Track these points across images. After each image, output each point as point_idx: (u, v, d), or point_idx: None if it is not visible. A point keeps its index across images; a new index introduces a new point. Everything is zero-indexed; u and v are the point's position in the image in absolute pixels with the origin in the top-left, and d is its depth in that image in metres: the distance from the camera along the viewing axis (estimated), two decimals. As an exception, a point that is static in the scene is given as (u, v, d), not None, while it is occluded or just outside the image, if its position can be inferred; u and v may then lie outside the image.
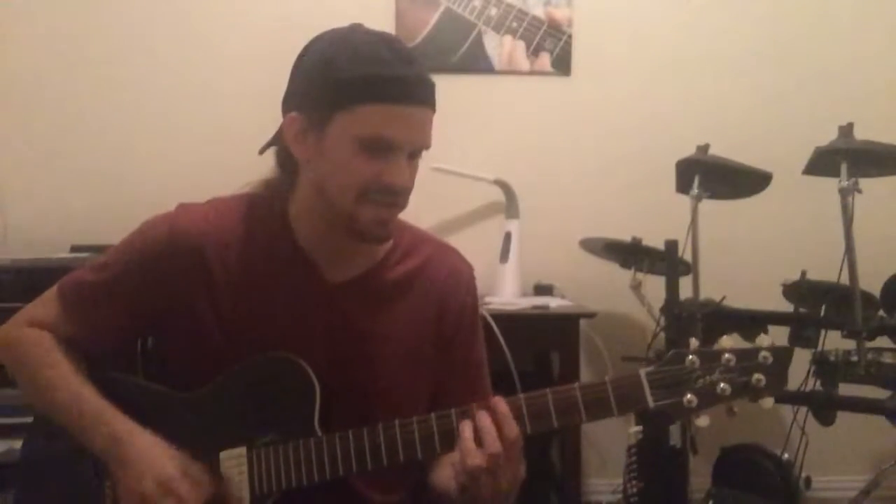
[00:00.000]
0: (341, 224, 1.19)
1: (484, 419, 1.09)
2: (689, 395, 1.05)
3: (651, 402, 1.07)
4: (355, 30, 1.18)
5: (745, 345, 1.08)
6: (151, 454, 1.15)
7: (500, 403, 1.10)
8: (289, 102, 1.20)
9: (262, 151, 1.27)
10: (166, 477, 1.12)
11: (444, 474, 1.23)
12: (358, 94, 1.12)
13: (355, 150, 1.14)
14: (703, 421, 1.06)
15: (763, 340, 1.07)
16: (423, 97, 1.16)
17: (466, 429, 1.09)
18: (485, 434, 1.07)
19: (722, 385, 1.05)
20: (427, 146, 1.19)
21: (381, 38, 1.17)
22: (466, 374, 1.33)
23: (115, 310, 1.25)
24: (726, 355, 1.06)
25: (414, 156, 1.18)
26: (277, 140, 1.25)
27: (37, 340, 1.25)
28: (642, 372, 1.07)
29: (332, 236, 1.23)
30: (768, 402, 1.05)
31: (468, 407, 1.11)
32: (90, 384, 1.22)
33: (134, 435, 1.17)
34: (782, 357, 1.06)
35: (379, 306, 1.27)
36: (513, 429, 1.08)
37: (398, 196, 1.18)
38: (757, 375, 1.05)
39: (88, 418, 1.18)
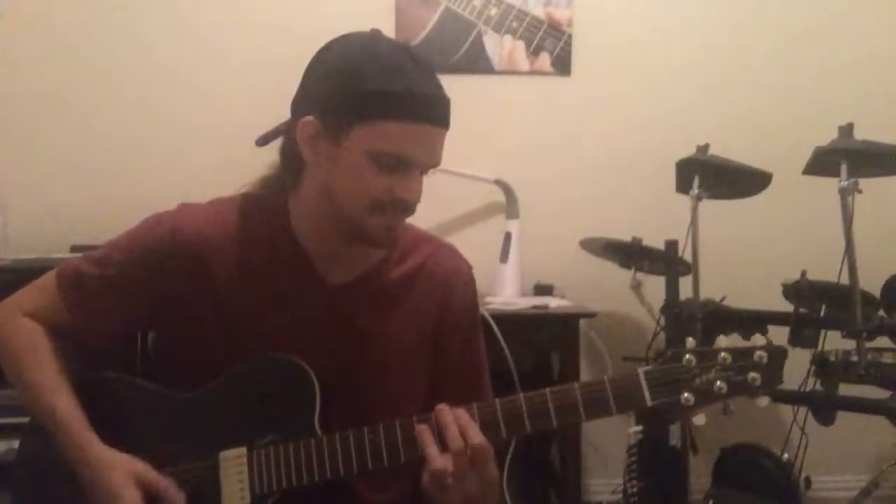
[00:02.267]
0: (348, 229, 1.19)
1: (445, 417, 1.09)
2: (686, 394, 1.06)
3: (649, 401, 1.07)
4: (378, 38, 1.17)
5: (743, 344, 1.08)
6: (110, 483, 1.13)
7: (462, 415, 1.09)
8: (303, 104, 1.19)
9: (260, 143, 1.26)
10: None
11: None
12: (382, 109, 1.12)
13: (372, 163, 1.14)
14: (699, 419, 1.07)
15: (758, 340, 1.08)
16: (443, 117, 1.17)
17: (426, 433, 1.09)
18: (448, 436, 1.08)
19: (718, 384, 1.06)
20: (439, 164, 1.19)
21: (405, 49, 1.16)
22: (466, 373, 1.33)
23: (113, 304, 1.24)
24: (722, 354, 1.07)
25: (425, 172, 1.19)
26: (283, 135, 1.24)
27: (28, 334, 1.24)
28: (640, 371, 1.08)
29: (333, 238, 1.23)
30: (763, 400, 1.07)
31: (428, 415, 1.10)
32: (69, 392, 1.20)
33: (97, 459, 1.15)
34: (777, 356, 1.07)
35: (378, 307, 1.27)
36: (476, 434, 1.07)
37: (409, 210, 1.19)
38: (752, 374, 1.06)
39: (61, 433, 1.18)
